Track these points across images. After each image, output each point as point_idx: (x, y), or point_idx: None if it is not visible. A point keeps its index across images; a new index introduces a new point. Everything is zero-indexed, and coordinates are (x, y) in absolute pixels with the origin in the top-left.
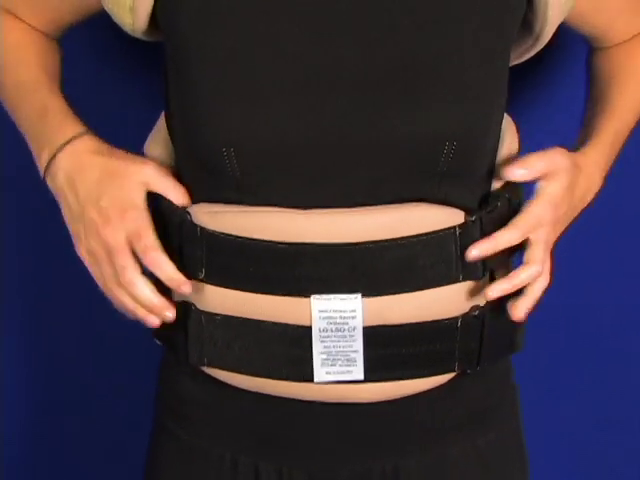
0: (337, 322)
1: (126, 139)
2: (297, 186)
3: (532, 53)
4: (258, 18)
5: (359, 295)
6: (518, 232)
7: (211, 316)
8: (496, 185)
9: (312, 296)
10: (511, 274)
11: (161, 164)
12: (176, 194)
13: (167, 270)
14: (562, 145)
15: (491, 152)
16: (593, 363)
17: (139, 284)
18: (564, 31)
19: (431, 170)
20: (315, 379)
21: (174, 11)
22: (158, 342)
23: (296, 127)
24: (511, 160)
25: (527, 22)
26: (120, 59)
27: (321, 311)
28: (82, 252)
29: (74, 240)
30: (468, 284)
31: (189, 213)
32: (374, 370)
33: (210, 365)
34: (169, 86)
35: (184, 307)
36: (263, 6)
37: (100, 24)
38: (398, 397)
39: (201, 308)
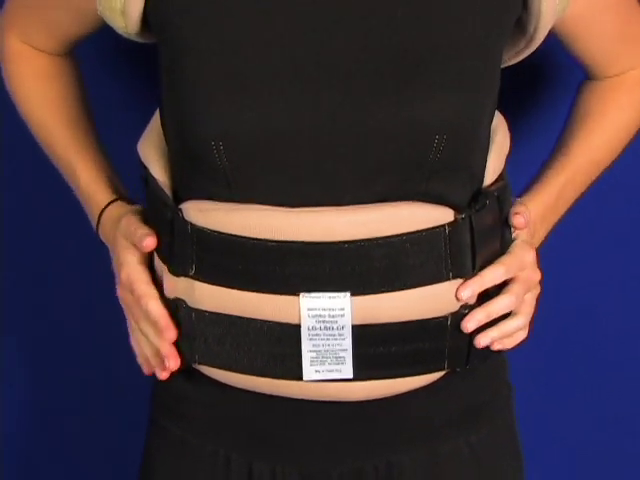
0: (326, 320)
1: (121, 137)
2: (286, 183)
3: (525, 54)
4: (245, 12)
5: (348, 293)
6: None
7: (201, 313)
8: (486, 183)
9: (301, 294)
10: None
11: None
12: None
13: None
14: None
15: (481, 149)
16: (590, 362)
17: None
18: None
19: (420, 164)
20: (304, 377)
21: (163, 11)
22: None
23: (283, 120)
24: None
25: (521, 23)
26: (117, 59)
27: (310, 309)
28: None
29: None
30: (458, 282)
31: (180, 210)
32: (363, 369)
33: (201, 362)
34: (162, 84)
35: (175, 304)
36: (250, 2)
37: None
38: (388, 395)
39: (192, 305)
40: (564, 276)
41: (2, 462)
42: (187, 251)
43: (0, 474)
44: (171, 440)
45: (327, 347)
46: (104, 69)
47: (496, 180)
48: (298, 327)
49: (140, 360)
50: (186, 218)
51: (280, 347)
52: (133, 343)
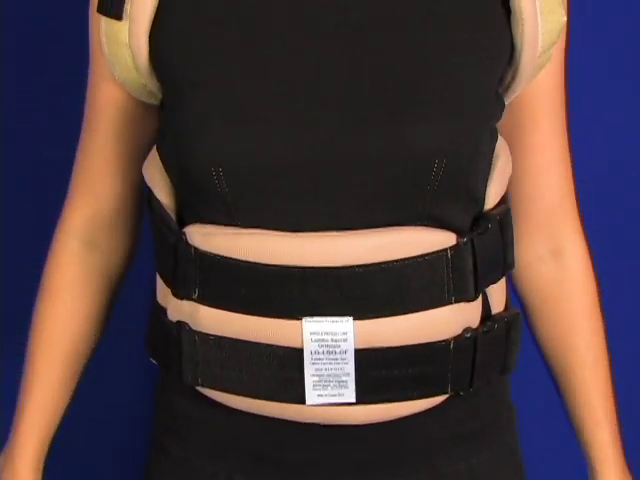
0: (328, 344)
1: None
2: (286, 209)
3: (511, 97)
4: (243, 43)
5: (350, 318)
6: None
7: (204, 336)
8: (488, 207)
9: (303, 318)
10: None
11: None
12: None
13: None
14: None
15: (482, 173)
16: None
17: None
18: None
19: (420, 189)
20: (307, 402)
21: (166, 51)
22: (154, 361)
23: (282, 146)
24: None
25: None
26: None
27: (312, 333)
28: None
29: None
30: (460, 306)
31: (184, 234)
32: (366, 393)
33: (204, 385)
34: (162, 118)
35: (178, 327)
36: (248, 32)
37: None
38: (391, 418)
39: (195, 328)
40: None
41: None
42: (190, 275)
43: None
44: (172, 460)
45: (330, 371)
46: None
47: (498, 204)
48: (301, 351)
49: None
50: (190, 242)
51: (283, 371)
52: None
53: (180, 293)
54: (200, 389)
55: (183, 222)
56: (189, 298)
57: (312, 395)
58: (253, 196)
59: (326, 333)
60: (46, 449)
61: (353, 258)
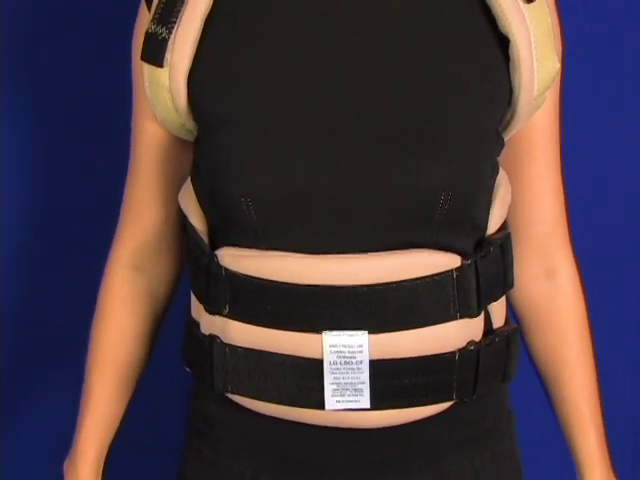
0: (346, 356)
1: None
2: (309, 234)
3: (510, 133)
4: (269, 87)
5: (366, 332)
6: None
7: (234, 348)
8: (490, 232)
9: (323, 332)
10: None
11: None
12: None
13: None
14: None
15: (485, 203)
16: None
17: None
18: None
19: (429, 219)
20: (326, 407)
21: (203, 96)
22: (188, 369)
23: (306, 180)
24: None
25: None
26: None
27: (331, 346)
28: None
29: None
30: (465, 321)
31: (216, 256)
32: (379, 399)
33: (233, 392)
34: (195, 154)
35: (210, 340)
36: (273, 77)
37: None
38: (402, 423)
39: (225, 341)
40: None
41: None
42: (221, 293)
43: None
44: (204, 461)
45: (347, 380)
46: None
47: (499, 229)
48: (321, 362)
49: None
50: (220, 263)
51: (304, 379)
52: None
53: (212, 309)
54: (230, 396)
55: (214, 245)
56: (220, 314)
57: (331, 401)
58: (278, 223)
59: (344, 345)
60: (104, 455)
61: (368, 278)
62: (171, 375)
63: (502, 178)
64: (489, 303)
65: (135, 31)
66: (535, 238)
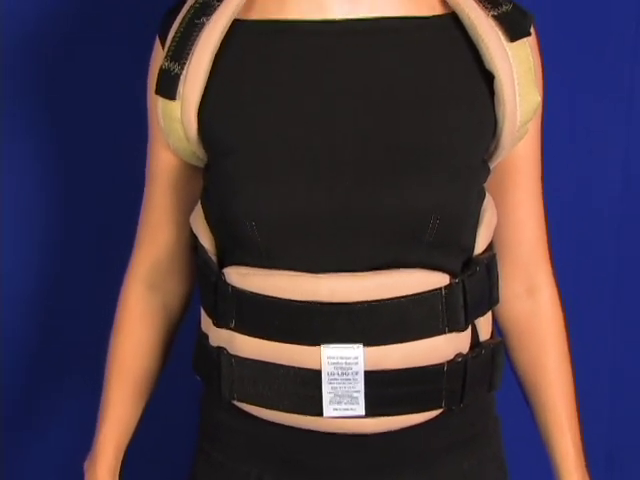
0: (342, 367)
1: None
2: (308, 253)
3: (495, 162)
4: (271, 118)
5: (361, 345)
6: None
7: (240, 359)
8: (476, 252)
9: (322, 345)
10: None
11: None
12: None
13: None
14: None
15: (472, 226)
16: None
17: None
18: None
19: (419, 240)
20: (324, 414)
21: (212, 128)
22: (198, 378)
23: (305, 205)
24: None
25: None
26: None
27: (329, 357)
28: None
29: None
30: (453, 335)
31: (223, 274)
32: (374, 407)
33: (239, 400)
34: (206, 175)
35: (218, 351)
36: (275, 109)
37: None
38: (395, 429)
39: (232, 352)
40: None
41: None
42: (228, 308)
43: None
44: (212, 462)
45: (343, 389)
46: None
47: (485, 250)
48: (319, 372)
49: None
50: (227, 281)
51: (304, 388)
52: None
53: (220, 323)
54: (236, 403)
55: (222, 264)
56: (227, 327)
57: (329, 409)
58: (280, 243)
59: (340, 357)
60: (121, 456)
61: (363, 295)
62: (183, 383)
63: (488, 203)
64: (476, 318)
65: (150, 66)
66: (518, 258)
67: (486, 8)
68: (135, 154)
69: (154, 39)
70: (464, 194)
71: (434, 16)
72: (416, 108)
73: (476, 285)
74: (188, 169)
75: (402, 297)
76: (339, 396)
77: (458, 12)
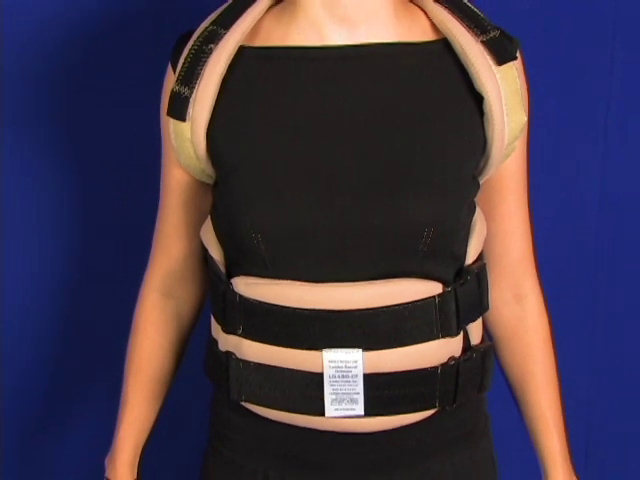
0: (343, 370)
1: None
2: (309, 264)
3: (484, 177)
4: (275, 139)
5: (360, 349)
6: None
7: (247, 363)
8: (468, 262)
9: (323, 350)
10: None
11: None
12: None
13: None
14: None
15: (464, 237)
16: None
17: None
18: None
19: (414, 251)
20: (326, 414)
21: (217, 142)
22: (209, 380)
23: (307, 218)
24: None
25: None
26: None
27: (330, 361)
28: None
29: None
30: (446, 340)
31: (231, 283)
32: (372, 408)
33: (246, 401)
34: (215, 191)
35: (226, 356)
36: (279, 130)
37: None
38: (392, 427)
39: (239, 357)
40: None
41: None
42: (236, 315)
43: None
44: (222, 459)
45: (344, 391)
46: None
47: (476, 260)
48: (321, 375)
49: None
50: (235, 290)
51: (307, 390)
52: None
53: (228, 329)
54: (244, 404)
55: (230, 274)
56: (235, 333)
57: (330, 409)
58: (284, 255)
59: (341, 361)
60: (139, 452)
61: (361, 303)
62: (195, 385)
63: (478, 215)
64: (467, 324)
65: (163, 90)
66: (506, 267)
67: (476, 34)
68: (145, 159)
69: (166, 64)
70: (456, 208)
71: (427, 42)
72: (411, 128)
73: (467, 293)
74: (198, 186)
75: (398, 305)
76: (340, 397)
77: (449, 38)
